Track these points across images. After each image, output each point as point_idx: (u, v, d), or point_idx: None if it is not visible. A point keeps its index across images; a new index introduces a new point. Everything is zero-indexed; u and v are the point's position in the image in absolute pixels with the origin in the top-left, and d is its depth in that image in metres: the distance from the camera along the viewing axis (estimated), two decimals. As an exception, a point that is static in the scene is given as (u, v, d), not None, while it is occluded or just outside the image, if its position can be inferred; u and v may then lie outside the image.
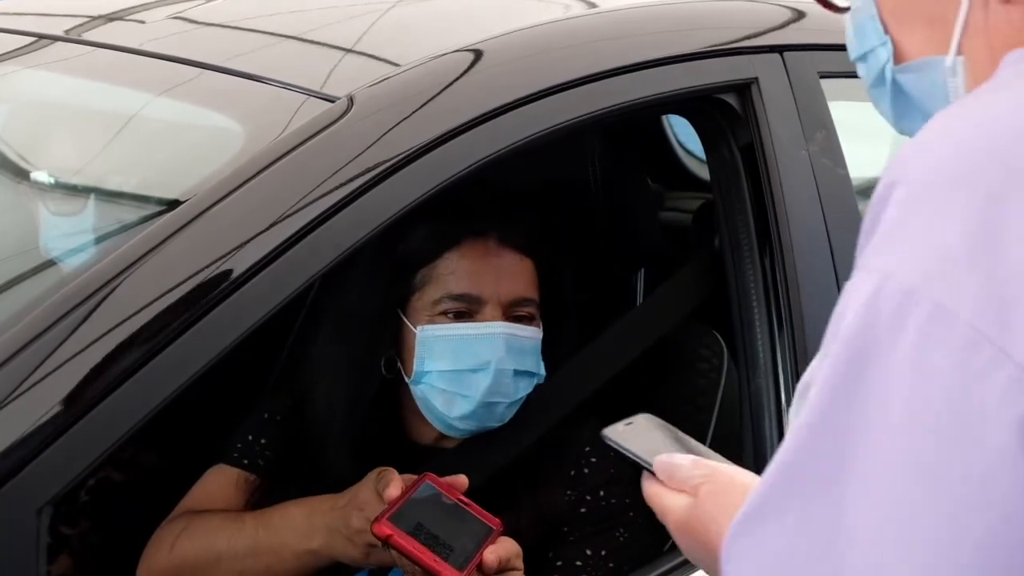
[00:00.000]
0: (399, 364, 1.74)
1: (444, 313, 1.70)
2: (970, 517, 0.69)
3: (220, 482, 1.78)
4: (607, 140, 2.17)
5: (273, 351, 2.19)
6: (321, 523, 1.61)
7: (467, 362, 1.68)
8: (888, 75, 0.96)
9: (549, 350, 1.75)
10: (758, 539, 0.75)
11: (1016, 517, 0.69)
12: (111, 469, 2.11)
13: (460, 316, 1.69)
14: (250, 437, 1.81)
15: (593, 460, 1.75)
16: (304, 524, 1.62)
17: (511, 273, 1.71)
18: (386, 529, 1.47)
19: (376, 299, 1.73)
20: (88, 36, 1.88)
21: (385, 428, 1.75)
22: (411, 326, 1.71)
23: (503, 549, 1.52)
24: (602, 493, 1.74)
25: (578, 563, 1.69)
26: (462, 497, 1.54)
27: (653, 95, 1.70)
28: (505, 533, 1.58)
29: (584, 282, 2.18)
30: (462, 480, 1.57)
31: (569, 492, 1.74)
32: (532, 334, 1.71)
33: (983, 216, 0.71)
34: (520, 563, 1.53)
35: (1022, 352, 0.69)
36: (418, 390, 1.71)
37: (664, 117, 3.05)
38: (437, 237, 1.71)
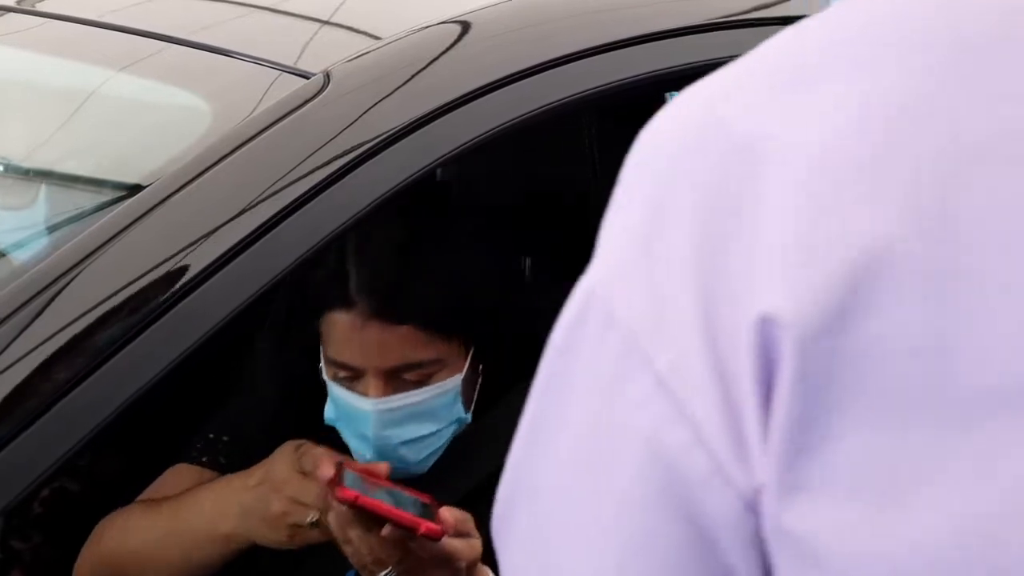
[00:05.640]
0: None
1: (335, 375, 1.70)
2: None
3: (176, 482, 1.78)
4: (606, 122, 2.16)
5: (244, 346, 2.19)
6: (234, 505, 1.61)
7: (353, 429, 1.70)
8: None
9: (492, 382, 1.75)
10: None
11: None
12: (66, 479, 2.11)
13: (350, 378, 1.69)
14: (211, 435, 1.82)
15: None
16: (213, 508, 1.63)
17: (383, 345, 1.66)
18: (351, 492, 1.45)
19: (303, 324, 1.74)
20: (41, 7, 1.87)
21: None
22: (324, 369, 1.72)
23: (458, 511, 1.52)
24: None
25: None
26: (384, 481, 1.56)
27: (656, 71, 1.69)
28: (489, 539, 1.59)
29: (581, 272, 2.17)
30: (382, 467, 1.58)
31: None
32: (424, 397, 1.69)
33: (656, 196, 0.64)
34: (475, 530, 1.53)
35: (665, 356, 0.60)
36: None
37: (668, 95, 3.04)
38: (308, 301, 1.70)
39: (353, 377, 1.68)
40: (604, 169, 2.10)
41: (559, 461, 0.64)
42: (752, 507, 0.58)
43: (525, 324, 1.81)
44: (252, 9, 1.81)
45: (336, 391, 1.70)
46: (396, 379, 1.67)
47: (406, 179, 1.44)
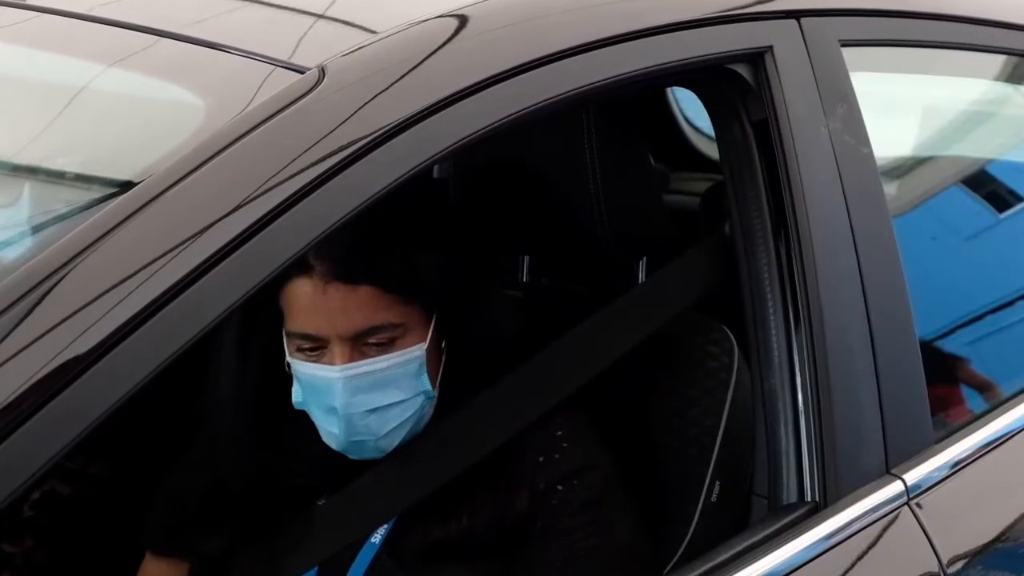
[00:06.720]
0: None
1: (299, 348, 1.73)
2: None
3: None
4: (605, 115, 2.16)
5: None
6: None
7: (320, 403, 1.73)
8: None
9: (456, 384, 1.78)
10: None
11: None
12: (57, 481, 2.11)
13: (314, 351, 1.72)
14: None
15: (565, 446, 1.77)
16: None
17: (344, 308, 1.69)
18: None
19: (268, 311, 1.76)
20: (32, 0, 1.87)
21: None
22: (287, 351, 1.75)
23: None
24: (575, 482, 1.76)
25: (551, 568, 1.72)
26: None
27: (656, 65, 1.69)
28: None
29: (579, 271, 2.18)
30: None
31: (536, 481, 1.75)
32: (390, 363, 1.72)
33: None
34: None
35: None
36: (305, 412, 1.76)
37: (669, 90, 3.04)
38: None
39: (317, 348, 1.71)
40: (603, 166, 2.10)
41: None
42: None
43: (488, 318, 1.83)
44: (246, 3, 1.81)
45: (301, 368, 1.73)
46: (360, 347, 1.70)
47: (403, 175, 1.43)
